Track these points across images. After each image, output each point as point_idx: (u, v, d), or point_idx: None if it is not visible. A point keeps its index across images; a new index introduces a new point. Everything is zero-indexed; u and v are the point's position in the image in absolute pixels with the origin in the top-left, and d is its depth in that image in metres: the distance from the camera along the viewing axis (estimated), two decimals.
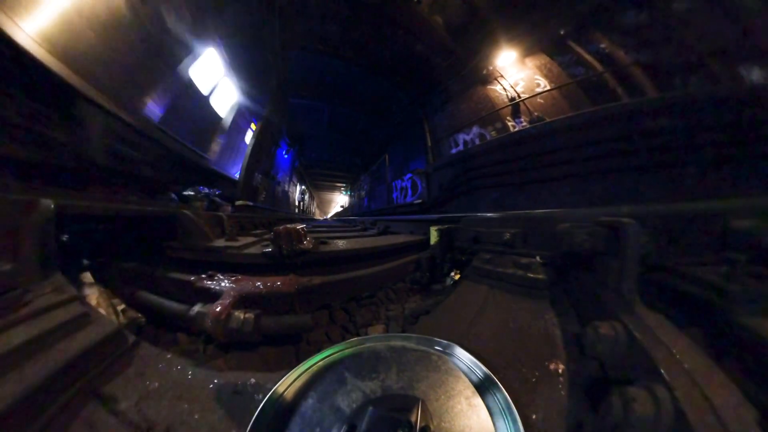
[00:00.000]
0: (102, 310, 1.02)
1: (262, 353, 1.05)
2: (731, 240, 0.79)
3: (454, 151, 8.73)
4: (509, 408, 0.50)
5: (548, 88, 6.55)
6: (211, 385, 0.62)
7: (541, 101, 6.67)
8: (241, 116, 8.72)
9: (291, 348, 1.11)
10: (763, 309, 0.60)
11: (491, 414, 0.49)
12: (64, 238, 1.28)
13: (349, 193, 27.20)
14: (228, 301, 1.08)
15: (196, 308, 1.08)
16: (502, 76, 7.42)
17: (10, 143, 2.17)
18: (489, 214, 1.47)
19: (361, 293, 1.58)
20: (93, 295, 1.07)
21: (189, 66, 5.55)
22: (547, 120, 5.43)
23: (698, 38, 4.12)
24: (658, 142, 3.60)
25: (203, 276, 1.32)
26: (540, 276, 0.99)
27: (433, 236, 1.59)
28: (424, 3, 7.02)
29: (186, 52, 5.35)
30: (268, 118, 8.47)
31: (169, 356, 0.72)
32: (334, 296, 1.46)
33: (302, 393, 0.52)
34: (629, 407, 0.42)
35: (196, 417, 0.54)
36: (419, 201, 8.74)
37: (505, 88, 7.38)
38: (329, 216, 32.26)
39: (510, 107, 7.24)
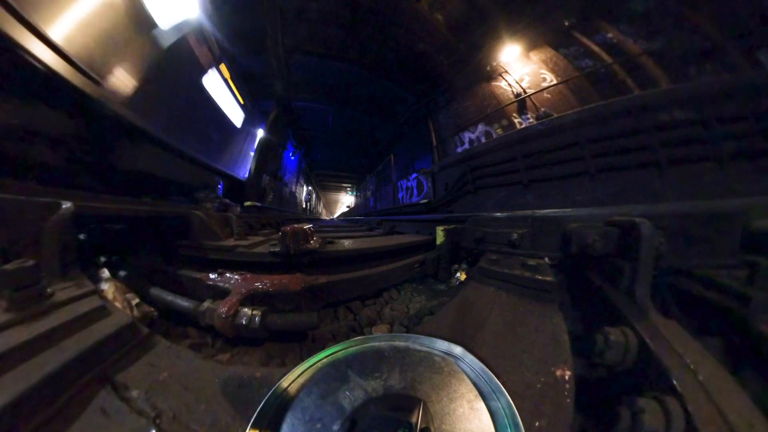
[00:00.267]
0: (117, 304, 1.06)
1: (267, 349, 1.07)
2: (752, 242, 0.75)
3: (459, 149, 8.63)
4: (512, 414, 0.49)
5: (555, 82, 6.35)
6: (218, 378, 0.64)
7: (548, 96, 6.47)
8: (250, 121, 8.97)
9: (296, 345, 1.13)
10: None
11: (494, 419, 0.48)
12: (83, 236, 1.35)
13: (355, 193, 27.35)
14: (236, 298, 1.10)
15: (206, 304, 1.11)
16: (506, 71, 7.25)
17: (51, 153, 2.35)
18: (496, 214, 1.44)
19: (367, 293, 1.59)
20: (109, 290, 1.12)
21: (204, 81, 6.00)
22: (555, 115, 5.25)
23: (712, 22, 3.86)
24: (673, 136, 3.40)
25: (213, 274, 1.36)
26: (548, 278, 0.97)
27: (439, 236, 1.58)
28: (424, 1, 6.95)
29: (201, 70, 5.74)
30: (274, 121, 8.66)
31: (179, 349, 0.75)
32: (339, 295, 1.47)
33: (305, 389, 0.53)
34: (638, 419, 0.40)
35: (202, 407, 0.55)
36: (425, 201, 8.68)
37: (510, 84, 7.21)
38: (335, 216, 32.51)
39: (516, 103, 7.07)
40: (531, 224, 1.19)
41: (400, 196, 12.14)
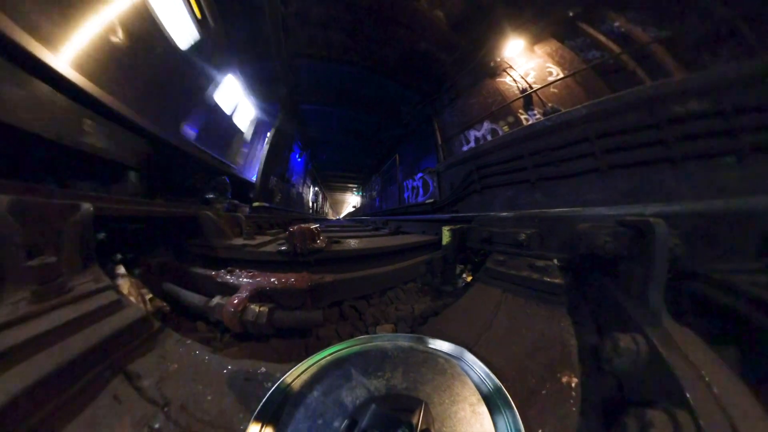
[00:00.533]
0: (132, 298, 1.11)
1: (273, 345, 1.10)
2: None
3: (465, 148, 8.45)
4: (515, 420, 0.48)
5: (561, 76, 6.09)
6: (225, 371, 0.65)
7: (555, 91, 6.22)
8: (258, 125, 9.22)
9: (301, 342, 1.14)
10: None
11: (495, 424, 0.47)
12: (101, 235, 1.42)
13: (360, 193, 27.44)
14: (244, 294, 1.13)
15: (215, 300, 1.15)
16: (510, 66, 7.03)
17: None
18: (503, 214, 1.41)
19: (372, 292, 1.59)
20: (125, 285, 1.17)
21: (214, 91, 6.35)
22: (563, 110, 5.00)
23: (726, 3, 3.58)
24: (688, 129, 3.18)
25: (223, 271, 1.40)
26: (557, 280, 0.94)
27: (445, 236, 1.57)
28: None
29: (211, 81, 6.11)
30: (280, 125, 8.83)
31: (188, 342, 0.77)
32: (345, 294, 1.48)
33: (309, 385, 0.54)
34: None
35: (209, 398, 0.57)
36: (431, 200, 8.58)
37: (515, 80, 6.99)
38: (342, 216, 32.75)
39: (522, 99, 6.82)
40: (539, 224, 1.16)
41: (405, 195, 12.10)
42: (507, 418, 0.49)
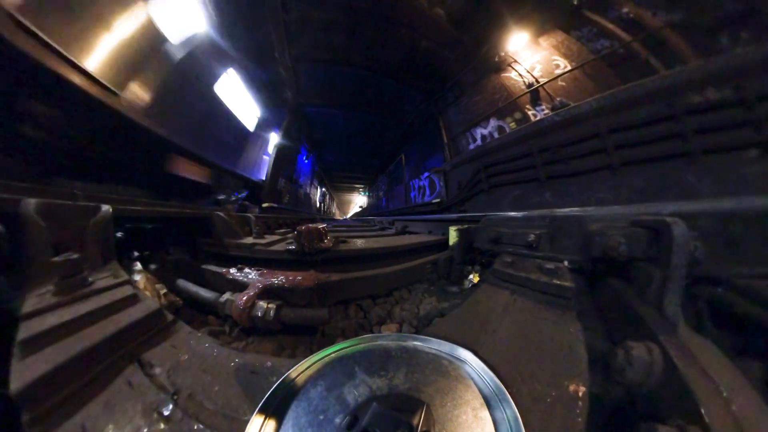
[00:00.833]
0: (147, 293, 1.16)
1: (280, 340, 1.12)
2: None
3: (471, 146, 8.25)
4: (518, 427, 0.47)
5: (569, 68, 5.73)
6: (232, 363, 0.67)
7: (563, 84, 5.89)
8: (265, 128, 9.44)
9: (307, 338, 1.16)
10: None
11: (497, 430, 0.47)
12: (120, 234, 1.50)
13: (367, 193, 27.51)
14: (253, 291, 1.16)
15: (226, 296, 1.18)
16: (515, 61, 6.74)
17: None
18: (511, 213, 1.38)
19: (377, 292, 1.59)
20: (141, 281, 1.23)
21: (221, 93, 6.79)
22: (572, 105, 4.79)
23: None
24: (707, 120, 2.92)
25: (233, 269, 1.44)
26: (567, 283, 0.91)
27: (452, 236, 1.55)
28: None
29: (215, 80, 6.64)
30: (287, 128, 9.01)
31: (199, 335, 0.81)
32: (350, 293, 1.49)
33: (312, 381, 0.55)
34: None
35: (216, 389, 0.59)
36: (437, 200, 8.47)
37: (520, 75, 6.69)
38: (348, 216, 32.98)
39: (528, 94, 6.54)
40: (549, 224, 1.13)
41: (412, 195, 12.02)
42: (509, 424, 0.48)
